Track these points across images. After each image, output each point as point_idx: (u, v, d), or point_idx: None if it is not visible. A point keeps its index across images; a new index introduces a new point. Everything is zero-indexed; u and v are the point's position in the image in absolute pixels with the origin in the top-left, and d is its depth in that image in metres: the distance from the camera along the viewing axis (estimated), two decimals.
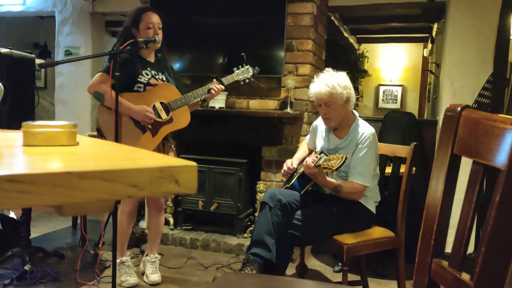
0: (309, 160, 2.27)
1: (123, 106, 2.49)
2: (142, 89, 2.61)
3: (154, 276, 2.79)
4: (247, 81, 2.85)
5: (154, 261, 2.84)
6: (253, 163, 3.67)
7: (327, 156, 2.23)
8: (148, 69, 2.65)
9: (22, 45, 5.52)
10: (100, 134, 2.62)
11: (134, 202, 2.78)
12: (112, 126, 2.34)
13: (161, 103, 2.61)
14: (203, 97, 2.71)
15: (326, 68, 2.49)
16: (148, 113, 2.53)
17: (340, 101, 2.36)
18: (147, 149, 0.90)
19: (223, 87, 2.76)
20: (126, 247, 2.82)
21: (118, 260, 2.71)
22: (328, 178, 2.28)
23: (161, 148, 2.70)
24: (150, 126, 2.58)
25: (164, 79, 2.70)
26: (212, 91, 2.67)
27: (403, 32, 6.31)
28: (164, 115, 2.60)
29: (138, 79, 2.59)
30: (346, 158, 2.11)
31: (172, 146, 2.79)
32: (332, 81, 2.36)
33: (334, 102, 2.36)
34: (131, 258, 3.05)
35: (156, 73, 2.67)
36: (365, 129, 2.39)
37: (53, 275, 2.80)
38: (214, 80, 2.76)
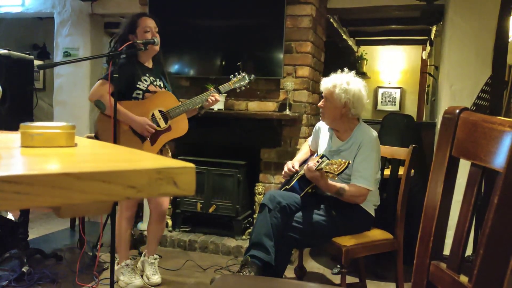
0: (310, 163, 2.27)
1: (124, 116, 2.52)
2: (140, 96, 2.61)
3: (155, 277, 2.84)
4: (243, 88, 2.86)
5: (154, 262, 2.88)
6: (251, 165, 3.66)
7: (329, 160, 2.23)
8: (147, 75, 2.65)
9: (21, 46, 5.52)
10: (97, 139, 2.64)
11: (134, 207, 2.83)
12: (111, 135, 2.34)
13: (160, 111, 2.62)
14: (200, 105, 2.72)
15: (351, 72, 2.46)
16: (148, 126, 2.54)
17: (337, 102, 2.36)
18: None
19: (220, 96, 2.80)
20: (128, 250, 2.86)
21: (122, 263, 2.76)
22: (330, 182, 2.27)
23: (159, 155, 2.73)
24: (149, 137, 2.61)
25: (162, 85, 2.71)
26: (209, 99, 2.68)
27: (402, 34, 6.32)
28: (162, 124, 2.62)
29: (137, 86, 2.60)
30: (348, 163, 2.11)
31: (169, 151, 2.84)
32: (338, 81, 2.37)
33: (331, 100, 2.38)
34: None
35: (154, 79, 2.68)
36: (368, 133, 2.39)
37: (51, 276, 2.80)
38: (212, 88, 2.78)
